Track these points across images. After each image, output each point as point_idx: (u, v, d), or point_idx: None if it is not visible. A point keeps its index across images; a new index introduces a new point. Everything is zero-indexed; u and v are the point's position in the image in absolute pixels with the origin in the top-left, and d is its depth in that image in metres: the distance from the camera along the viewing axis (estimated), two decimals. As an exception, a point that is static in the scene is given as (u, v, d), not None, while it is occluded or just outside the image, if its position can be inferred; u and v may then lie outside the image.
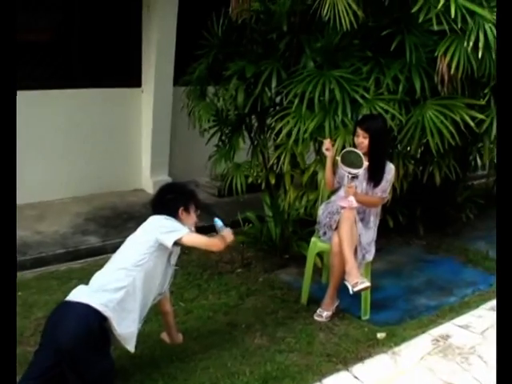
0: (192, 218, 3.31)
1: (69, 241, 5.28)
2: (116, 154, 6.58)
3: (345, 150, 3.97)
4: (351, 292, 3.75)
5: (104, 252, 5.05)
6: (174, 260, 3.27)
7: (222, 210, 6.18)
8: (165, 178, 6.69)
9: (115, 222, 5.78)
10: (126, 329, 2.99)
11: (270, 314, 4.12)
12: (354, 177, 3.97)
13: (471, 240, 5.83)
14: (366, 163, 3.88)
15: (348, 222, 3.91)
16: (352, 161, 3.91)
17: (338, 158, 3.95)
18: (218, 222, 3.41)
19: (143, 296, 3.06)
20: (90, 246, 5.27)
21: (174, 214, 3.21)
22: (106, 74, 6.37)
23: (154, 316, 3.78)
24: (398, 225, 5.47)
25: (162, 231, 3.06)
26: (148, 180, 6.73)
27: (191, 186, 3.76)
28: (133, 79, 6.54)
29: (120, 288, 2.95)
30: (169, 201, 3.26)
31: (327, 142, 4.12)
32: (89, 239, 5.36)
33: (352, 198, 3.91)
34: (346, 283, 3.79)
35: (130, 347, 3.05)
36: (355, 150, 3.93)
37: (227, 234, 3.34)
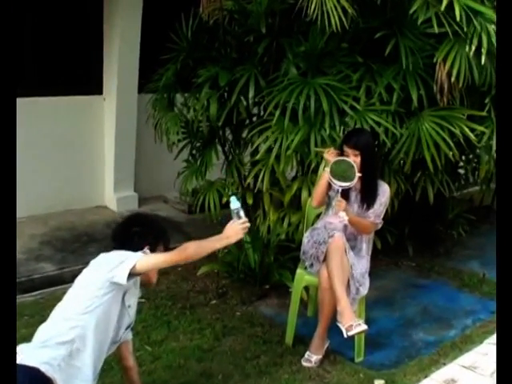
0: None
1: (21, 268, 4.66)
2: (76, 167, 6.02)
3: (334, 160, 3.45)
4: (345, 336, 3.24)
5: (61, 282, 4.48)
6: (130, 301, 2.68)
7: (193, 229, 5.66)
8: (130, 194, 6.25)
9: (73, 246, 5.21)
10: None
11: (250, 360, 3.56)
12: (346, 190, 3.49)
13: (464, 260, 5.39)
14: (358, 174, 3.39)
15: (337, 252, 3.41)
16: (342, 172, 3.42)
17: (327, 169, 3.46)
18: (234, 203, 2.59)
19: (96, 348, 2.50)
20: (45, 274, 4.69)
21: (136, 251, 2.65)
22: (63, 80, 5.81)
23: (115, 364, 3.23)
24: (385, 245, 5.00)
25: (110, 267, 2.47)
26: (111, 196, 6.19)
27: (163, 222, 3.11)
28: (93, 86, 5.99)
29: (64, 342, 2.41)
30: (134, 234, 2.68)
31: (331, 150, 3.62)
32: (44, 267, 4.78)
33: (343, 214, 3.40)
34: (339, 325, 3.27)
35: None
36: (346, 160, 3.43)
37: (232, 229, 2.58)
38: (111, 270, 2.46)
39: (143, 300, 4.25)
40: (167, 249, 2.78)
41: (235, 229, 2.57)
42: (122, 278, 2.43)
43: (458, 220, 5.70)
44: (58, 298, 2.62)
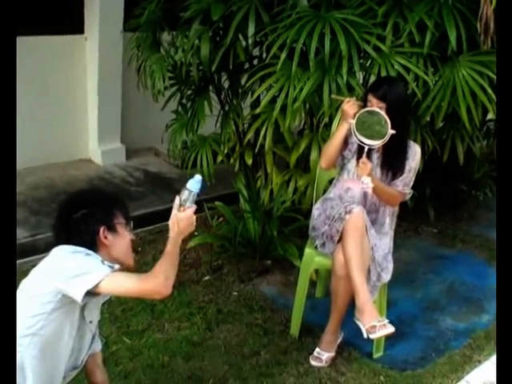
0: (123, 237, 2.09)
1: (-12, 235, 4.07)
2: (55, 116, 5.37)
3: (362, 111, 2.82)
4: (365, 336, 2.65)
5: (33, 252, 3.90)
6: (92, 316, 2.08)
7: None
8: (116, 146, 5.65)
9: (51, 207, 4.56)
10: None
11: (248, 358, 2.97)
12: (367, 151, 2.84)
13: (491, 226, 4.73)
14: (391, 131, 2.75)
15: (356, 232, 2.78)
16: (368, 128, 2.81)
17: (353, 122, 2.81)
18: (195, 185, 1.99)
19: (44, 380, 1.93)
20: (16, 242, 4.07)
21: (90, 242, 2.01)
22: (37, 17, 5.02)
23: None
24: (403, 209, 4.36)
25: (64, 277, 1.87)
26: (96, 148, 5.57)
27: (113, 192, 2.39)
28: (73, 24, 5.25)
29: None
30: (78, 223, 2.02)
31: (352, 100, 2.94)
32: (14, 233, 4.17)
33: (368, 180, 2.76)
34: (358, 323, 2.67)
35: None
36: (376, 111, 2.78)
37: (187, 220, 1.95)
38: (65, 281, 1.86)
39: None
40: (128, 219, 2.15)
41: (190, 220, 1.95)
42: (77, 295, 1.85)
43: (485, 180, 5.07)
44: (25, 273, 2.03)
